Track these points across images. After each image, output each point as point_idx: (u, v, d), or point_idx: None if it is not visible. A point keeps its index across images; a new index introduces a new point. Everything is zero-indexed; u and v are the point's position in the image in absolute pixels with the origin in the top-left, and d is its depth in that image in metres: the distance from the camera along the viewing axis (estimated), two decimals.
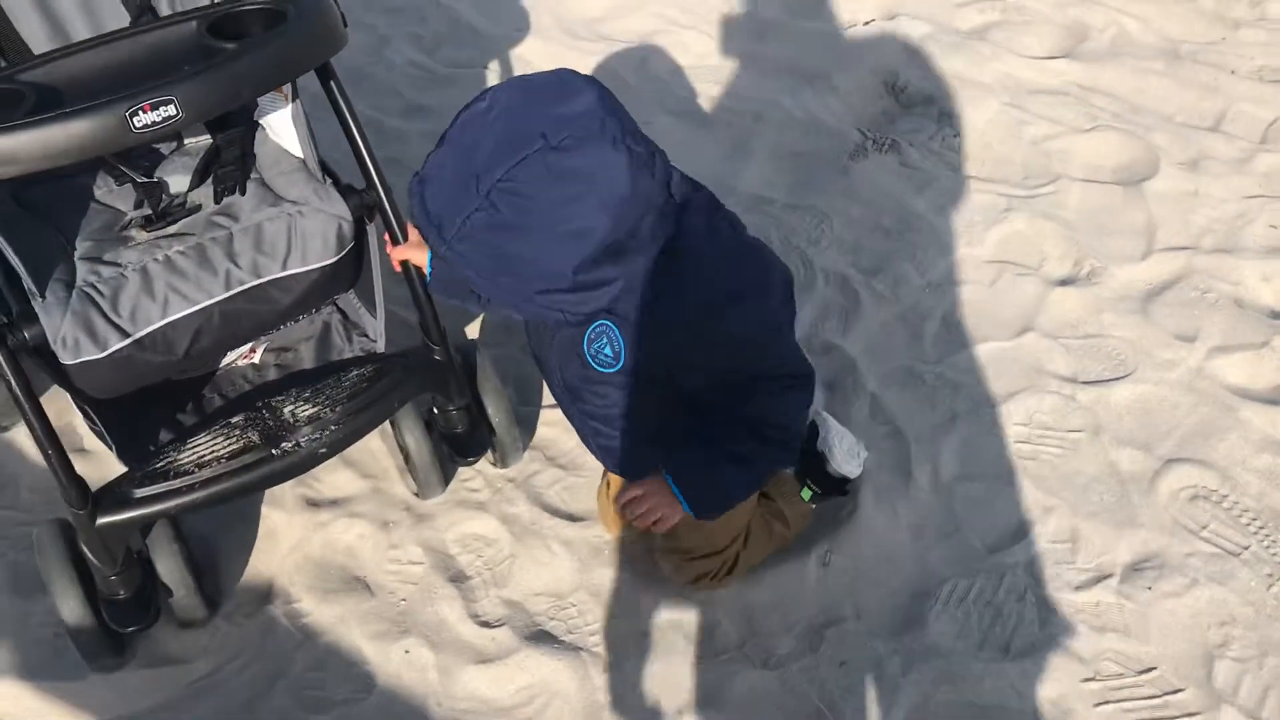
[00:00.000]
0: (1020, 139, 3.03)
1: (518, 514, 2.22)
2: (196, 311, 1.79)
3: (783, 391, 1.75)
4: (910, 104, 3.20)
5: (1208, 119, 3.10)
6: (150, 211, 1.89)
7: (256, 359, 2.09)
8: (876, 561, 2.11)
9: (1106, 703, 1.88)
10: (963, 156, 3.01)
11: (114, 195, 1.95)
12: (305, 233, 1.85)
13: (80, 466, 1.78)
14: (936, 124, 3.09)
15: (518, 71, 3.41)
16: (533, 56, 3.47)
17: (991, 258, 2.72)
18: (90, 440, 2.29)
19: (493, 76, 3.43)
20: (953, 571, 2.08)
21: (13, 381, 1.68)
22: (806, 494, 2.13)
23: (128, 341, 1.75)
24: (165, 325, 1.77)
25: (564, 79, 1.50)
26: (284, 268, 1.85)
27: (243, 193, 1.90)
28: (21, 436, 2.42)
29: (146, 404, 1.92)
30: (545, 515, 2.22)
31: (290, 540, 2.19)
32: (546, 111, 1.43)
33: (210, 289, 1.79)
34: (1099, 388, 2.39)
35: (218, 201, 1.90)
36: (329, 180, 1.91)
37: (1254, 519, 2.14)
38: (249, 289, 1.82)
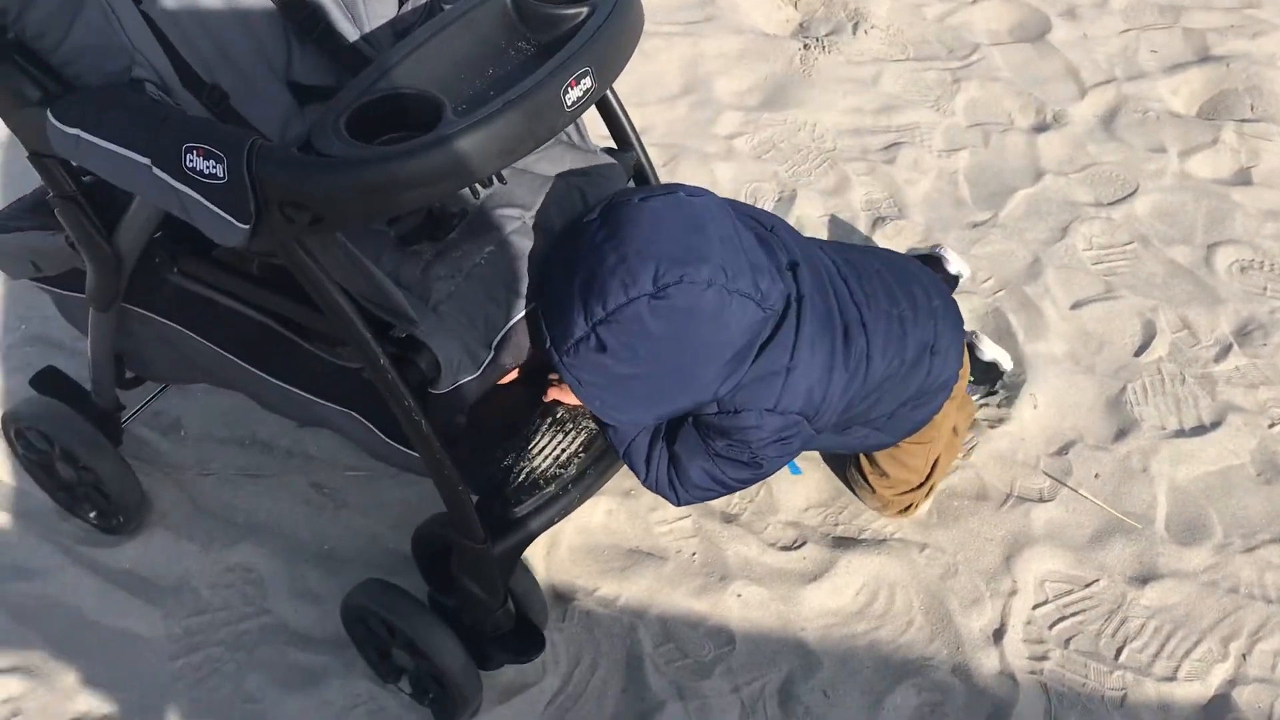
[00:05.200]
0: (925, 20, 3.35)
1: None
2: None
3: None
4: (810, 8, 3.42)
5: None
6: (418, 223, 1.73)
7: None
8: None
9: None
10: (887, 44, 3.28)
11: None
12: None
13: None
14: (849, 23, 3.34)
15: None
16: None
17: (969, 122, 3.02)
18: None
19: None
20: None
21: (422, 422, 1.53)
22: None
23: (491, 353, 1.63)
24: (511, 327, 1.66)
25: (667, 211, 1.54)
26: None
27: (502, 181, 1.79)
28: (159, 543, 2.12)
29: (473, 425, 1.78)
30: None
31: (540, 543, 2.10)
32: (659, 248, 1.49)
33: None
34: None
35: (477, 196, 1.77)
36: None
37: None
38: None
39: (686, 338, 1.51)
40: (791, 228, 1.80)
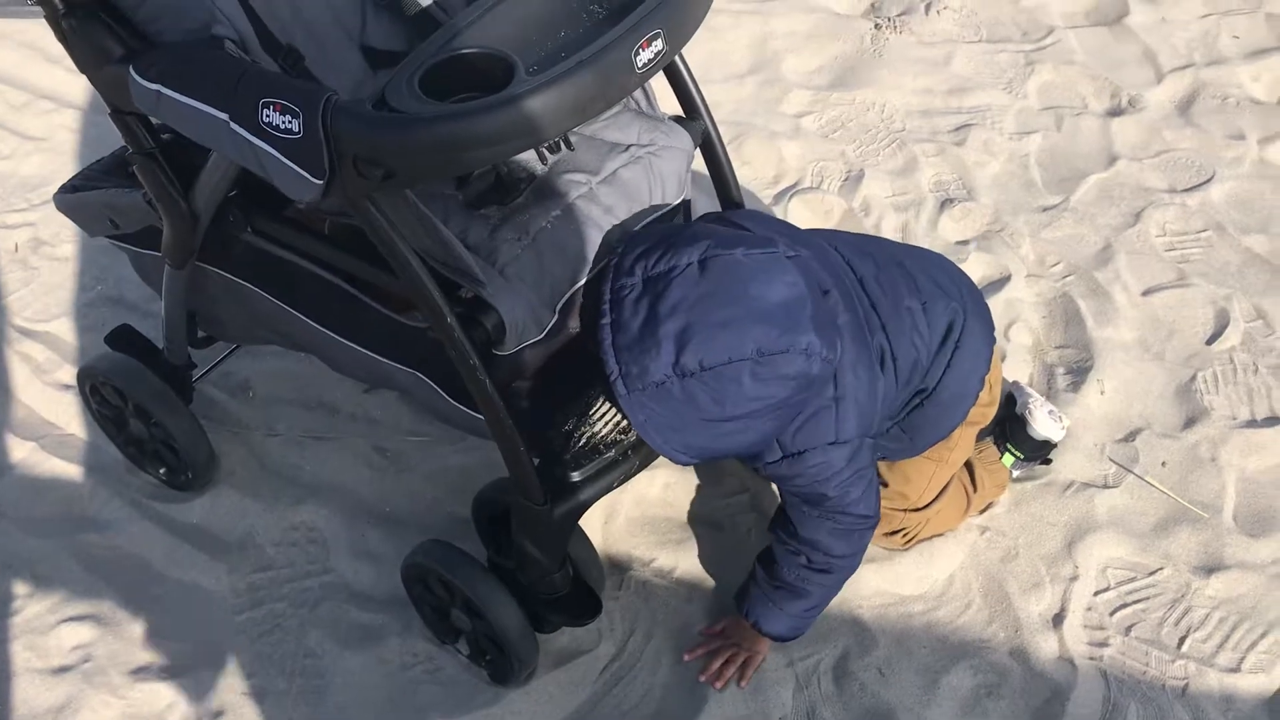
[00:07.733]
0: (1000, 1, 3.30)
1: None
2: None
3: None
4: None
5: None
6: (486, 186, 1.74)
7: None
8: None
9: None
10: (960, 25, 3.24)
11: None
12: (662, 174, 1.77)
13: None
14: (922, 3, 3.30)
15: None
16: None
17: (1042, 105, 2.98)
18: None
19: None
20: None
21: (486, 381, 1.54)
22: (1008, 460, 2.10)
23: (556, 316, 1.64)
24: (576, 290, 1.67)
25: (772, 272, 1.50)
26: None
27: (569, 147, 1.79)
28: (226, 501, 2.17)
29: (535, 389, 1.79)
30: None
31: (597, 514, 2.11)
32: (765, 313, 1.47)
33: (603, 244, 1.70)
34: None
35: (544, 162, 1.78)
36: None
37: None
38: None
39: (775, 396, 1.51)
40: (798, 230, 1.75)
